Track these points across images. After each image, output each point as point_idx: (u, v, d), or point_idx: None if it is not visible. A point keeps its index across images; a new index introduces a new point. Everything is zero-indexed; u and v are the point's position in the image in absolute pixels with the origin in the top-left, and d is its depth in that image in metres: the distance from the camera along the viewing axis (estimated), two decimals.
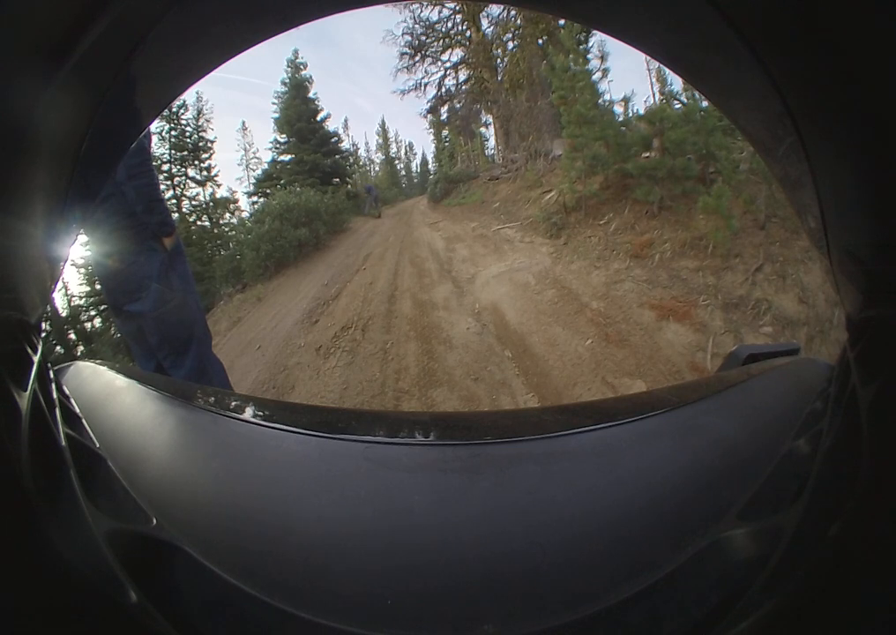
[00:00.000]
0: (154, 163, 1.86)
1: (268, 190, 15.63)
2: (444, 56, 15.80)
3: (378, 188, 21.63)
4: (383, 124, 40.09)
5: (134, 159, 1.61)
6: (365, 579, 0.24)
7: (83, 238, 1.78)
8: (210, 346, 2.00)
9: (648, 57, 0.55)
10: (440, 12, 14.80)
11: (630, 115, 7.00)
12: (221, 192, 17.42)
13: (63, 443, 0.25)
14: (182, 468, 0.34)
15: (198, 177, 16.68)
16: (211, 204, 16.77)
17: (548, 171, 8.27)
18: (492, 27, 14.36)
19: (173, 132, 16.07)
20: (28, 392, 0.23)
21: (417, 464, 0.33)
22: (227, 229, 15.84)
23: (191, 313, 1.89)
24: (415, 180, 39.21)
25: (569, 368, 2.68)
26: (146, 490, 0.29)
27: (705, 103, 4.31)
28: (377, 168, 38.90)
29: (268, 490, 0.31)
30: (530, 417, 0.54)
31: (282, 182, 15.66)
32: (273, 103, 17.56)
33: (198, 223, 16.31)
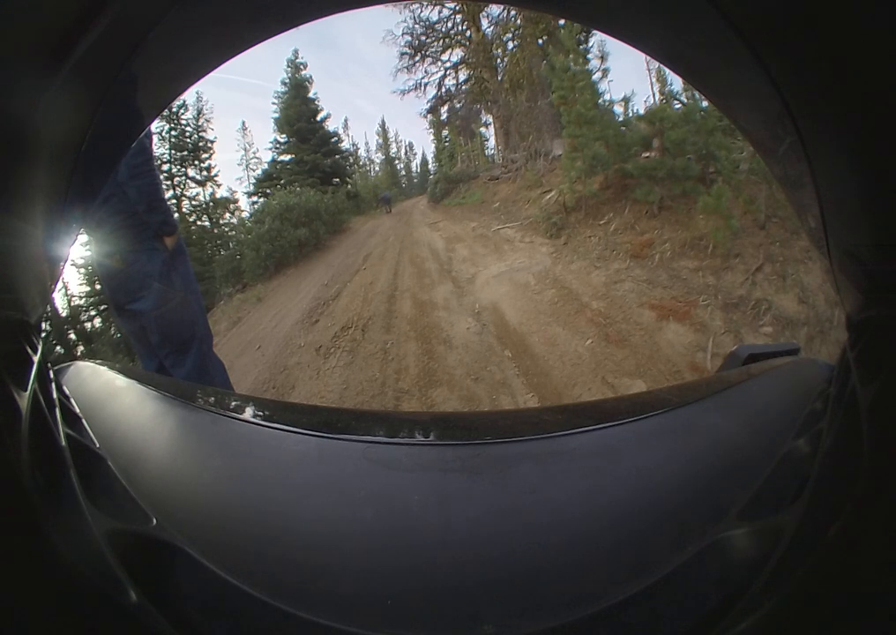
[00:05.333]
0: (155, 163, 1.86)
1: (268, 190, 15.67)
2: (444, 56, 15.81)
3: (380, 189, 22.20)
4: (383, 124, 40.19)
5: (136, 158, 1.60)
6: (365, 579, 0.24)
7: (83, 238, 1.78)
8: (211, 345, 2.00)
9: (648, 57, 0.55)
10: (440, 12, 14.81)
11: (630, 115, 7.02)
12: (221, 192, 17.52)
13: (63, 443, 0.25)
14: (182, 468, 0.34)
15: (198, 177, 16.73)
16: (211, 204, 16.81)
17: (548, 171, 8.28)
18: (492, 27, 14.37)
19: (173, 132, 16.10)
20: (28, 392, 0.23)
21: (417, 464, 0.33)
22: (227, 229, 15.90)
23: (193, 312, 1.89)
24: (415, 180, 39.25)
25: (569, 368, 2.68)
26: (146, 490, 0.29)
27: (705, 103, 4.31)
28: (377, 168, 38.97)
29: (268, 490, 0.31)
30: (530, 417, 0.54)
31: (282, 182, 15.71)
32: (273, 103, 17.65)
33: (198, 223, 16.35)
